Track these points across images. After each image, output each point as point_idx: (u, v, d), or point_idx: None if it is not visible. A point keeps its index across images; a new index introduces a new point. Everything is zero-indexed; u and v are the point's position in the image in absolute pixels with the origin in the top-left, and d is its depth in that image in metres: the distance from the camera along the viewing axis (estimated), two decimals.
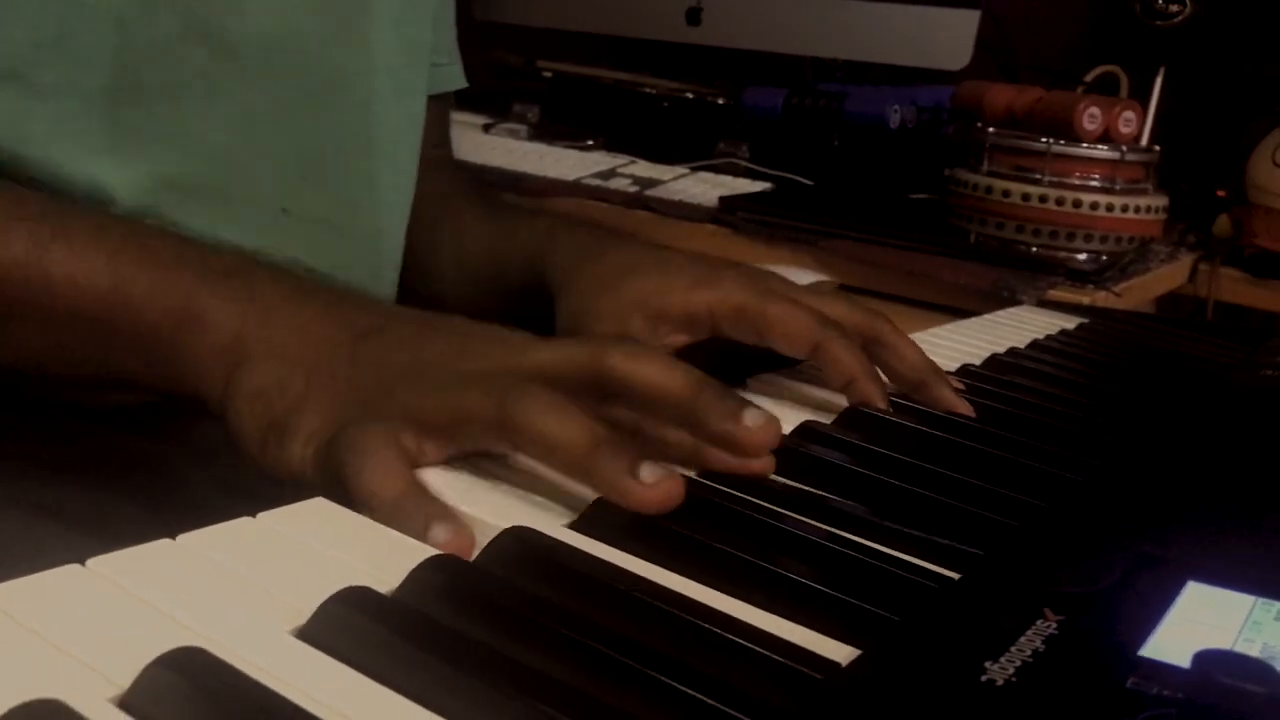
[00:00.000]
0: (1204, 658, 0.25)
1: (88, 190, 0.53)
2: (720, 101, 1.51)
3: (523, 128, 1.51)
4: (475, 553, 0.35)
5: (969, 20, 1.34)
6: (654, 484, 0.37)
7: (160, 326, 0.43)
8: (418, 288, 0.73)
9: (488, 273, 0.71)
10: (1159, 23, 1.37)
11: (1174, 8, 1.34)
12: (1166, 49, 1.39)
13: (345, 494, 0.38)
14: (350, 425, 0.39)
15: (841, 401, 0.53)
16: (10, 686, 0.25)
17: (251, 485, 0.42)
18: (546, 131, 1.48)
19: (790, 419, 0.49)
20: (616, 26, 1.60)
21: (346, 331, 0.43)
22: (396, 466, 0.38)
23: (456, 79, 0.81)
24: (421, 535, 0.36)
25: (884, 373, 0.55)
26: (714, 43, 1.54)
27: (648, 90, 1.58)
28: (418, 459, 0.39)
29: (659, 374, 0.41)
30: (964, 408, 0.54)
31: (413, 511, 0.36)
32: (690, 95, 1.55)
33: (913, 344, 0.56)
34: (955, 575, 0.36)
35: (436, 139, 0.78)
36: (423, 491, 0.38)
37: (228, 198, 0.57)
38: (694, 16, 1.52)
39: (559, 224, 0.67)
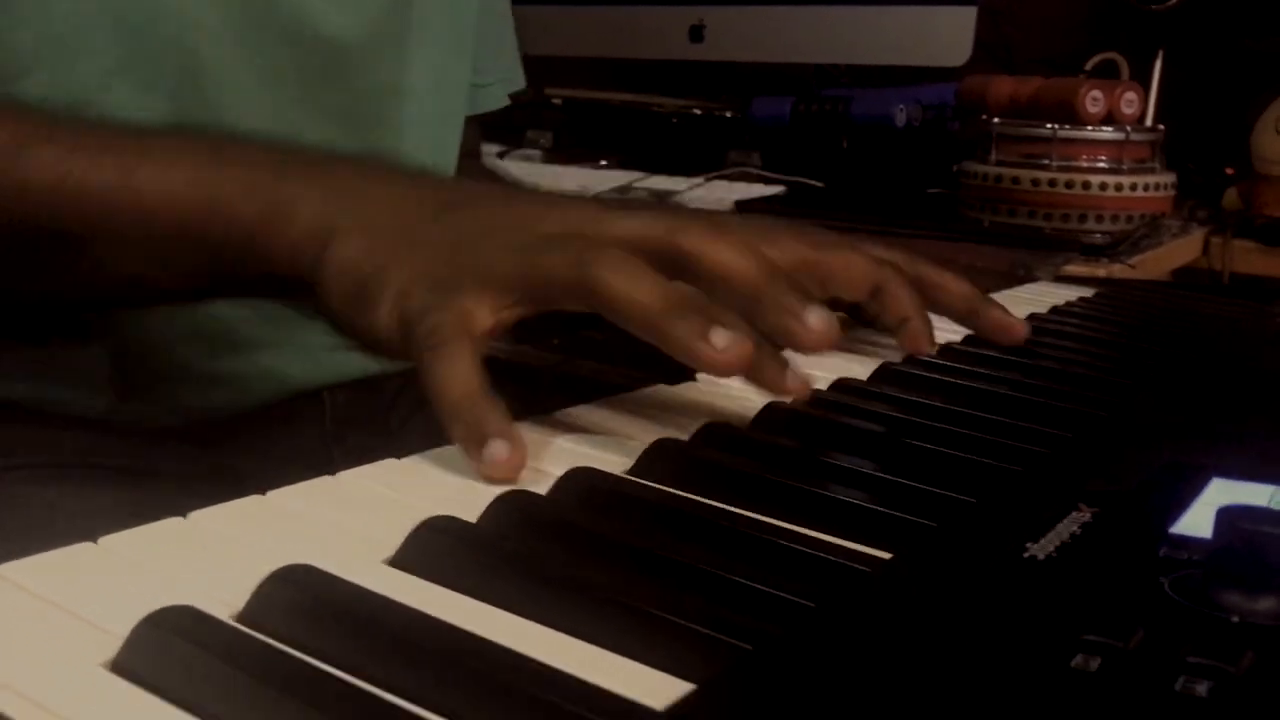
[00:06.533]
0: (1226, 510, 0.27)
1: None
2: (728, 114, 1.54)
3: (537, 153, 1.54)
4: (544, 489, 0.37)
5: (966, 17, 1.37)
6: (725, 348, 0.39)
7: (252, 224, 0.45)
8: None
9: None
10: (1154, 6, 1.39)
11: None
12: (1164, 31, 1.41)
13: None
14: (429, 304, 0.40)
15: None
16: (135, 609, 0.28)
17: None
18: (560, 156, 1.52)
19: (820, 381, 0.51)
20: (621, 49, 1.64)
21: (429, 203, 0.45)
22: (465, 364, 0.39)
23: (495, 99, 0.83)
24: (478, 445, 0.37)
25: (935, 310, 0.56)
26: (717, 58, 1.57)
27: (656, 109, 1.61)
28: (496, 322, 0.40)
29: (731, 256, 0.42)
30: (1020, 326, 0.56)
31: (472, 417, 0.38)
32: (698, 111, 1.58)
33: (956, 277, 0.57)
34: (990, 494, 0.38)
35: (470, 150, 0.81)
36: (487, 398, 0.39)
37: None
38: (696, 34, 1.55)
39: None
